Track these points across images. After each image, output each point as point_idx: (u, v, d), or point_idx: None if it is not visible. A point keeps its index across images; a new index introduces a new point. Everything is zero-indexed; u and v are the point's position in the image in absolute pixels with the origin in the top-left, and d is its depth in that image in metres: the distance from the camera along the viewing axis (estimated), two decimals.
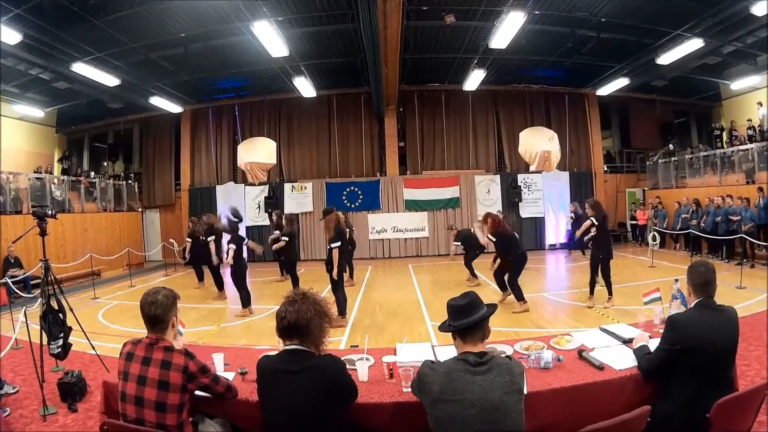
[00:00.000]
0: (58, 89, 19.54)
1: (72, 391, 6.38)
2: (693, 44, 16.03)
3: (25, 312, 7.17)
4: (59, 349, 6.91)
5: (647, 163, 24.08)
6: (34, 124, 22.70)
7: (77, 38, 15.00)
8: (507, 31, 14.77)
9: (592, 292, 11.09)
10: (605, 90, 22.58)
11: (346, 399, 3.29)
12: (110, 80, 17.47)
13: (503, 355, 3.35)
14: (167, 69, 18.61)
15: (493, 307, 3.30)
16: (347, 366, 3.45)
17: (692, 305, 3.86)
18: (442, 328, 3.32)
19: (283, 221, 14.33)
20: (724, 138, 21.74)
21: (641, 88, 22.90)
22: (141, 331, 3.53)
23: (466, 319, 3.14)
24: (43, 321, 6.81)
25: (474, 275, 14.84)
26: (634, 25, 16.15)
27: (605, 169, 24.92)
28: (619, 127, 26.28)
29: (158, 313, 3.44)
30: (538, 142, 20.86)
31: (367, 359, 4.18)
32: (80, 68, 16.17)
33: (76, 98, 21.04)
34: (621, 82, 21.21)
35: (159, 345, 3.40)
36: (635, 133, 25.64)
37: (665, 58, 17.25)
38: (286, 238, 13.55)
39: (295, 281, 13.60)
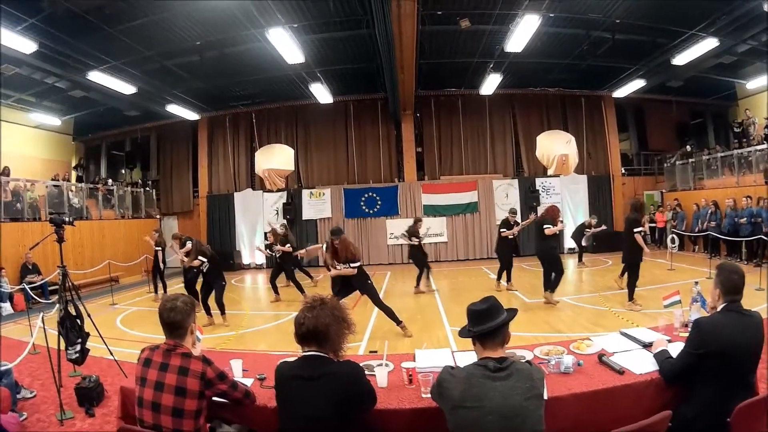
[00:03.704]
0: (74, 97, 19.73)
1: (89, 396, 6.38)
2: (708, 44, 15.92)
3: (42, 317, 7.18)
4: (77, 355, 6.92)
5: (665, 165, 23.94)
6: (51, 132, 22.93)
7: (93, 47, 15.11)
8: (522, 34, 14.78)
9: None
10: (621, 92, 22.48)
11: (364, 405, 3.28)
12: (126, 88, 17.60)
13: (523, 360, 3.30)
14: (183, 77, 18.72)
15: (513, 312, 3.27)
16: (366, 372, 3.42)
17: (719, 309, 3.81)
18: (462, 333, 3.30)
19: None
20: (741, 125, 21.62)
21: (657, 90, 22.71)
22: (159, 337, 3.52)
23: (486, 324, 3.11)
24: (61, 327, 6.83)
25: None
26: (648, 26, 16.05)
27: (623, 171, 24.77)
28: (635, 130, 26.10)
29: (177, 319, 3.45)
30: (555, 146, 20.75)
31: (386, 365, 4.15)
32: (96, 77, 16.31)
33: (93, 106, 21.23)
34: (637, 84, 21.12)
35: (177, 351, 3.40)
36: (652, 134, 25.49)
37: (681, 59, 17.16)
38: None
39: None
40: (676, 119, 25.04)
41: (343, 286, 9.78)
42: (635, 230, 10.75)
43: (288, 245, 14.58)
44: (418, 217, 16.75)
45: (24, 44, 13.10)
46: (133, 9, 13.53)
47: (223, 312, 11.51)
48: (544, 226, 11.38)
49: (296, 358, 3.37)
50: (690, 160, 21.99)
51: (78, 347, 6.91)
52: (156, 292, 15.83)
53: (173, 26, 14.86)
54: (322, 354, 3.23)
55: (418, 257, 14.55)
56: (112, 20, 13.83)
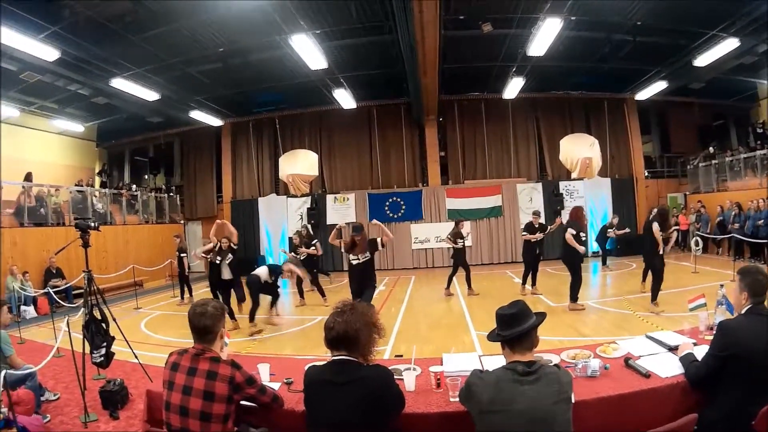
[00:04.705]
0: (97, 104, 19.93)
1: (114, 399, 6.45)
2: (729, 44, 15.78)
3: (67, 321, 7.23)
4: (102, 358, 6.98)
5: (688, 167, 23.81)
6: (75, 138, 23.17)
7: (115, 54, 15.26)
8: (544, 38, 14.76)
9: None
10: (643, 94, 22.41)
11: (393, 409, 3.25)
12: (150, 95, 17.77)
13: (551, 364, 3.28)
14: (206, 83, 18.86)
15: (542, 317, 3.26)
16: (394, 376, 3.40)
17: (743, 311, 3.78)
18: (491, 337, 3.27)
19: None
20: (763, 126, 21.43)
21: (679, 91, 22.48)
22: (183, 340, 3.55)
23: (515, 328, 3.09)
24: (86, 330, 6.90)
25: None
26: (669, 28, 15.96)
27: (646, 174, 24.65)
28: (658, 132, 25.99)
29: (207, 324, 3.48)
30: (578, 149, 20.59)
31: (414, 369, 4.13)
32: (119, 84, 16.49)
33: (116, 113, 21.44)
34: (659, 86, 20.99)
35: (205, 355, 3.41)
36: (674, 137, 25.23)
37: (702, 60, 17.04)
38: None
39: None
40: (698, 121, 24.87)
41: (358, 286, 9.90)
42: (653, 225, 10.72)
43: (313, 248, 14.67)
44: (459, 218, 16.71)
45: (47, 52, 13.24)
46: (155, 17, 13.60)
47: (243, 300, 11.82)
48: (567, 232, 11.28)
49: (325, 362, 3.35)
50: (713, 161, 21.83)
51: (103, 351, 6.98)
52: (182, 297, 15.92)
53: (196, 34, 14.97)
54: (351, 358, 3.21)
55: (458, 258, 14.74)
56: (135, 28, 13.94)
